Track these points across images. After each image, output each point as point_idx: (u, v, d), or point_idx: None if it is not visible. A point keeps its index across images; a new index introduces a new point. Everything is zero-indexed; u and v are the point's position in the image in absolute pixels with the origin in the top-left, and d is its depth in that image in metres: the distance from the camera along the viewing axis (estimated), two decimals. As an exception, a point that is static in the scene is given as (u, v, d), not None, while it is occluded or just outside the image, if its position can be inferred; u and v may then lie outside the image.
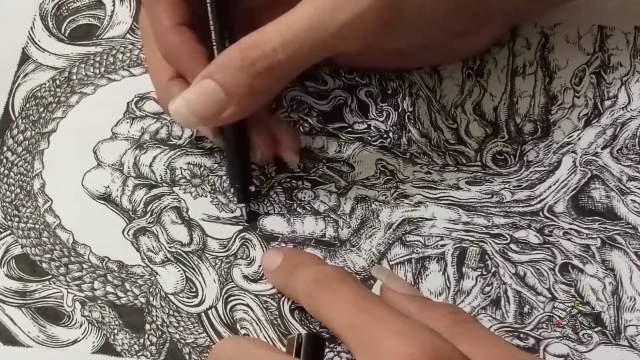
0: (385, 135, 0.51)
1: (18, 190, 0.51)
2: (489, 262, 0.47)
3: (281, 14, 0.43)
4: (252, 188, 0.49)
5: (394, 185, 0.50)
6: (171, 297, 0.47)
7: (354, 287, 0.41)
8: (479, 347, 0.40)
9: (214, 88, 0.44)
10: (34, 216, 0.50)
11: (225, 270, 0.48)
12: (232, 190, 0.49)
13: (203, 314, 0.47)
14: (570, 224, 0.48)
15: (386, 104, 0.52)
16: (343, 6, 0.42)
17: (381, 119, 0.52)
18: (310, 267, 0.44)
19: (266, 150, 0.49)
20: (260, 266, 0.48)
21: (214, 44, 0.46)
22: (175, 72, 0.48)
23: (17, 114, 0.53)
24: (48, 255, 0.49)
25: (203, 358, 0.46)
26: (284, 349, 0.44)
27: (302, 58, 0.43)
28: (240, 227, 0.49)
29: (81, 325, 0.47)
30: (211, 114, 0.44)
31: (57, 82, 0.54)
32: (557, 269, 0.47)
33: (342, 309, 0.39)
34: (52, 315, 0.47)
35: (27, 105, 0.53)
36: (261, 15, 0.46)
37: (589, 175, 0.49)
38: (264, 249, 0.48)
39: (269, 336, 0.46)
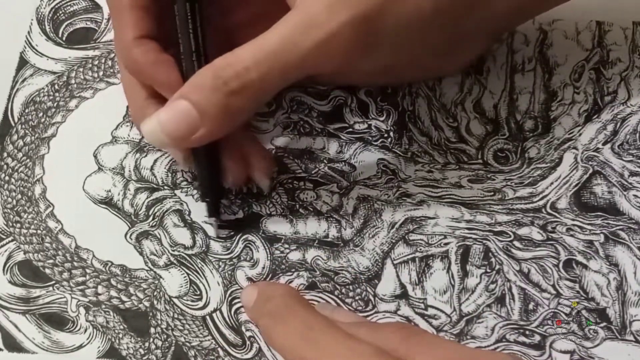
0: (386, 135, 0.51)
1: (19, 196, 0.50)
2: (492, 259, 0.47)
3: (262, 32, 0.43)
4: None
5: (396, 184, 0.50)
6: (175, 300, 0.47)
7: (302, 315, 0.42)
8: (435, 354, 0.40)
9: (187, 108, 0.42)
10: (35, 222, 0.50)
11: (229, 272, 0.48)
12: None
13: (208, 317, 0.47)
14: (573, 220, 0.48)
15: (386, 103, 0.52)
16: (317, 25, 0.41)
17: (381, 119, 0.52)
18: (268, 301, 0.44)
19: (238, 175, 0.48)
20: (263, 267, 0.48)
21: (194, 62, 0.45)
22: (150, 92, 0.47)
23: (16, 120, 0.53)
24: (51, 261, 0.49)
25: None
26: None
27: (275, 77, 0.42)
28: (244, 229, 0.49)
29: (86, 331, 0.47)
30: (184, 134, 0.43)
31: (56, 86, 0.54)
32: (561, 265, 0.47)
33: (290, 343, 0.40)
34: (57, 321, 0.47)
35: (27, 111, 0.53)
36: (242, 33, 0.45)
37: (590, 171, 0.50)
38: (268, 250, 0.48)
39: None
